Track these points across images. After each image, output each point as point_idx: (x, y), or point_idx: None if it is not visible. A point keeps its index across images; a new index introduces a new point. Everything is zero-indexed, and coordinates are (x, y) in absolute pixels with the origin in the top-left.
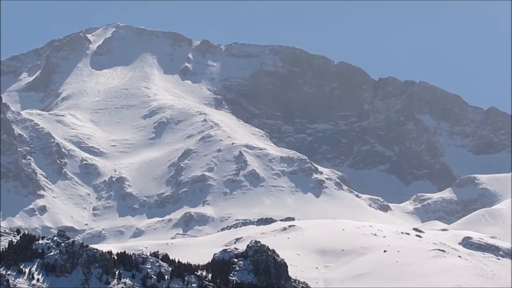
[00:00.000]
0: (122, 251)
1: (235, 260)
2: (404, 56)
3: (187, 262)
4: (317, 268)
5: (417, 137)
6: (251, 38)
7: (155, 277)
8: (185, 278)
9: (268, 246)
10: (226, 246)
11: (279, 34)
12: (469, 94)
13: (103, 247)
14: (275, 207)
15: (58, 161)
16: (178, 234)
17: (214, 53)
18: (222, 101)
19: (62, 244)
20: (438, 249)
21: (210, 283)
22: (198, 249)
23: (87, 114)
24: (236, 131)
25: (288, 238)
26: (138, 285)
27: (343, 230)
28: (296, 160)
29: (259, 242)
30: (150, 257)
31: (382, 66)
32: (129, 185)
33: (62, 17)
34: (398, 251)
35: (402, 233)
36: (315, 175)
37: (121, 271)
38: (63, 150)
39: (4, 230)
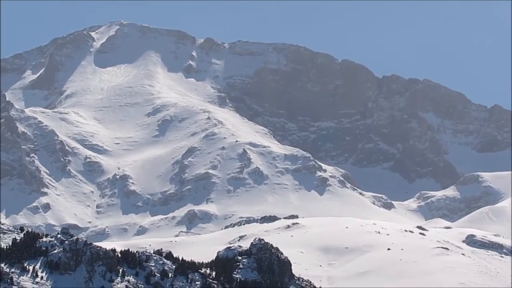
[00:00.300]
0: (126, 248)
1: (239, 257)
2: (407, 54)
3: (191, 260)
4: (320, 266)
5: (421, 135)
6: (254, 36)
7: (158, 274)
8: (189, 276)
9: (271, 244)
10: (230, 243)
11: (282, 32)
12: (472, 92)
13: (106, 244)
14: (278, 205)
15: (62, 159)
16: (182, 231)
17: (218, 51)
18: (226, 99)
19: (66, 242)
20: (442, 247)
21: (214, 281)
22: (201, 247)
23: (90, 112)
24: (239, 129)
25: (292, 236)
26: (141, 282)
27: (346, 228)
28: (300, 158)
29: (262, 240)
30: (153, 254)
31: (386, 64)
32: (132, 183)
33: (66, 15)
34: (401, 249)
35: (406, 231)
36: (318, 173)
37: (124, 269)
38: (66, 147)
39: (8, 228)
